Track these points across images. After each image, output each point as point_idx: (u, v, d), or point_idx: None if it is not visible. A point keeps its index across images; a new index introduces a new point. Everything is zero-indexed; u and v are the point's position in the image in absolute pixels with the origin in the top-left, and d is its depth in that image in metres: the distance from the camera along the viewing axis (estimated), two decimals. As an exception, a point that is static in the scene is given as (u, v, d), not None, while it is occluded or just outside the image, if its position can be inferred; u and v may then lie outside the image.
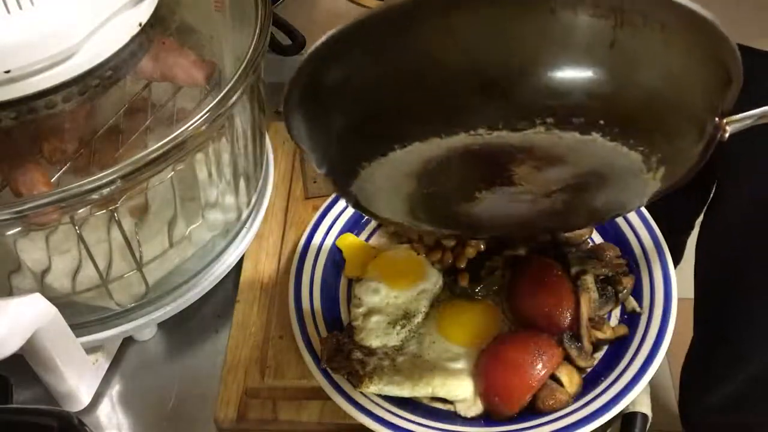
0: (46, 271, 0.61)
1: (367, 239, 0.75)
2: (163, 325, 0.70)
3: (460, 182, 0.45)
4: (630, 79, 0.38)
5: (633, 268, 0.68)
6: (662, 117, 0.40)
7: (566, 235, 0.70)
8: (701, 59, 0.40)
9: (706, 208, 1.04)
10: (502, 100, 0.38)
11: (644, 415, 0.64)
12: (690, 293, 1.00)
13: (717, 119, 0.43)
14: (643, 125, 0.39)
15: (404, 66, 0.39)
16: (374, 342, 0.65)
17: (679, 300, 0.64)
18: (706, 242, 1.03)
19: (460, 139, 0.39)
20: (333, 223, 0.75)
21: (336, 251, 0.73)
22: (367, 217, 0.76)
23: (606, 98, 0.37)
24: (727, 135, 0.44)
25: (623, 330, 0.64)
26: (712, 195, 1.02)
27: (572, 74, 0.37)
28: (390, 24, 0.39)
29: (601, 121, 0.38)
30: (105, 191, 0.51)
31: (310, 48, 0.41)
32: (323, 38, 0.40)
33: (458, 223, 0.51)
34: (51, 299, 0.55)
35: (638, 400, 0.63)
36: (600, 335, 0.63)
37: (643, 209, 0.71)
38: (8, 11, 0.49)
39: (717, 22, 0.39)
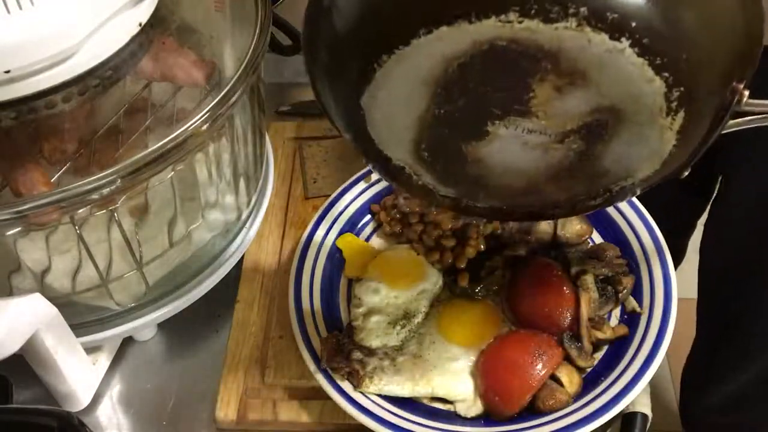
0: (46, 271, 0.61)
1: (367, 239, 0.75)
2: (163, 325, 0.70)
3: (475, 104, 0.43)
4: None
5: (633, 268, 0.68)
6: (691, 43, 0.39)
7: (566, 235, 0.70)
8: (735, 10, 0.41)
9: (712, 200, 1.04)
10: None
11: (644, 415, 0.64)
12: (690, 293, 1.00)
13: (735, 83, 0.43)
14: (672, 44, 0.39)
15: None
16: (374, 342, 0.65)
17: (679, 300, 0.64)
18: (713, 237, 1.03)
19: (489, 28, 0.38)
20: (333, 223, 0.75)
21: (336, 251, 0.73)
22: (366, 218, 0.76)
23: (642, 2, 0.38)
24: (743, 103, 0.43)
25: (623, 330, 0.64)
26: (717, 188, 1.02)
27: None
28: None
29: (633, 23, 0.38)
30: (105, 191, 0.51)
31: None
32: None
33: (462, 175, 0.48)
34: (51, 299, 0.55)
35: (638, 400, 0.63)
36: (600, 335, 0.63)
37: (644, 210, 0.71)
38: (8, 11, 0.49)
39: None
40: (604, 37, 0.38)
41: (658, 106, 0.41)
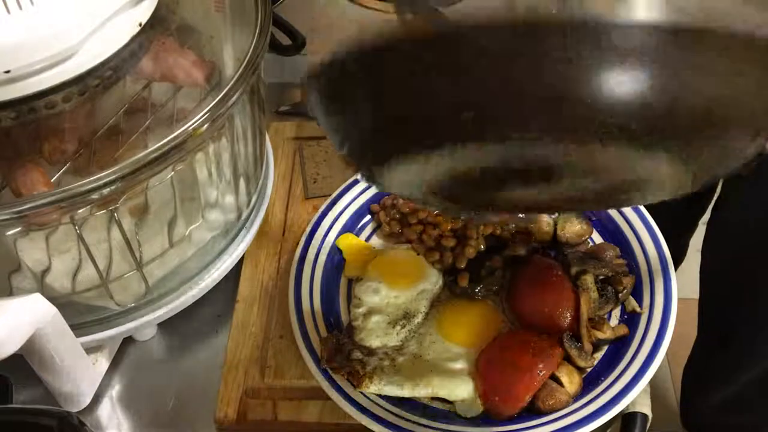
0: (46, 271, 0.61)
1: (367, 239, 0.75)
2: (163, 325, 0.70)
3: (492, 181, 0.41)
4: (704, 92, 0.36)
5: (633, 268, 0.68)
6: (724, 144, 0.38)
7: (566, 235, 0.70)
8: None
9: (713, 206, 1.04)
10: (582, 112, 0.34)
11: (644, 415, 0.64)
12: (690, 293, 1.00)
13: (764, 140, 0.41)
14: (708, 149, 0.38)
15: (470, 69, 0.36)
16: (374, 342, 0.65)
17: (680, 300, 0.64)
18: (714, 241, 1.03)
19: (507, 149, 0.36)
20: (333, 223, 0.75)
21: (336, 251, 0.73)
22: (366, 218, 0.76)
23: (670, 113, 0.35)
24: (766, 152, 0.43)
25: (623, 330, 0.64)
26: (718, 193, 1.02)
27: (638, 86, 0.34)
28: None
29: (674, 142, 0.36)
30: (105, 191, 0.51)
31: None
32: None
33: (476, 203, 0.47)
34: (51, 299, 0.55)
35: (638, 400, 0.63)
36: (600, 335, 0.63)
37: (644, 209, 0.71)
38: (8, 11, 0.49)
39: None
40: (641, 149, 0.36)
41: (683, 184, 0.40)
